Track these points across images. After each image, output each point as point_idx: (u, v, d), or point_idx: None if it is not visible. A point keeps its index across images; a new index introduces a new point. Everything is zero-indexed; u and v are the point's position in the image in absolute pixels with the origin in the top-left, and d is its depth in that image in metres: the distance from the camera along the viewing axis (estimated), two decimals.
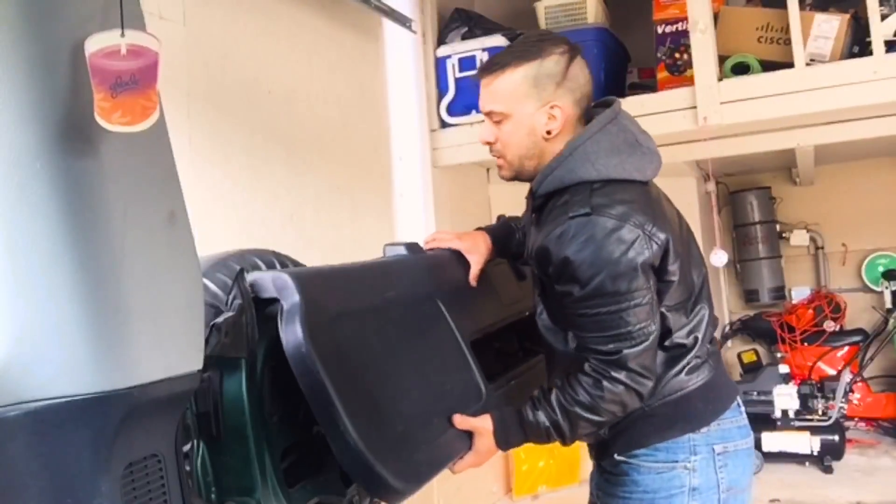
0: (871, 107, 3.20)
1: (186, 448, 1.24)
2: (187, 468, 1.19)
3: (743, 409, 1.60)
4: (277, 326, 1.36)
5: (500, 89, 1.51)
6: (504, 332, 1.89)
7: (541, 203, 1.54)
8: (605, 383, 1.41)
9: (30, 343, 0.90)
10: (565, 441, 1.51)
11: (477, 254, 1.74)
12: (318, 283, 1.37)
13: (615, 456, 1.54)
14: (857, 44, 3.28)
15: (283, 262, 1.65)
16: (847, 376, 4.52)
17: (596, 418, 1.44)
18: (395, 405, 1.38)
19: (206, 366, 1.10)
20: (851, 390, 4.61)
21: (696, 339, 1.50)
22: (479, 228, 1.82)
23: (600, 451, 1.60)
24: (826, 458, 4.22)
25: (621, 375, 1.40)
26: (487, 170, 4.22)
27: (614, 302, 1.39)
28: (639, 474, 1.51)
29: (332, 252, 2.86)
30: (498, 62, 1.53)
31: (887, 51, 3.10)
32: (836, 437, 4.25)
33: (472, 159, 3.83)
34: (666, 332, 1.47)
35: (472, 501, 3.85)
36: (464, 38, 3.85)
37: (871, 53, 3.13)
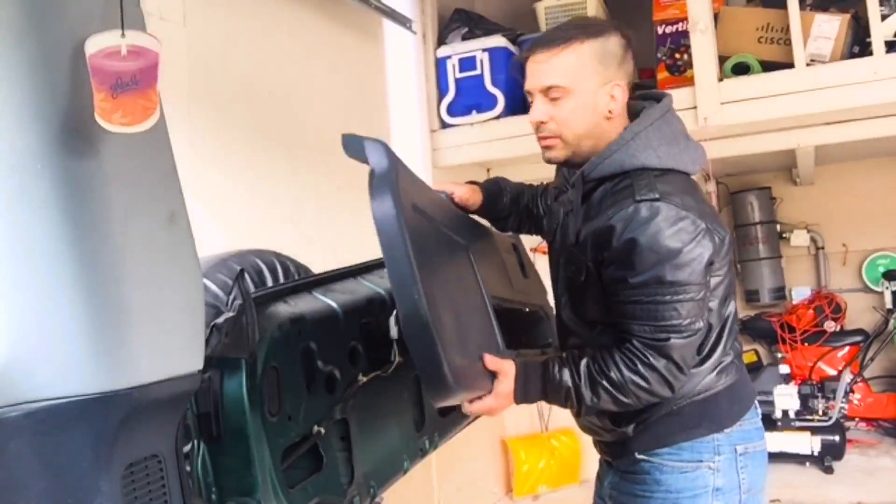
0: (872, 107, 3.20)
1: (187, 448, 1.24)
2: (188, 468, 1.19)
3: (759, 410, 1.60)
4: (277, 326, 1.36)
5: (564, 64, 1.46)
6: (502, 318, 1.89)
7: (591, 187, 1.51)
8: (641, 368, 1.39)
9: (30, 343, 0.90)
10: (580, 410, 1.48)
11: (469, 192, 1.73)
12: (402, 168, 1.35)
13: (636, 454, 1.52)
14: (858, 44, 3.29)
15: (284, 262, 1.65)
16: (847, 376, 4.52)
17: (621, 398, 1.42)
18: (448, 309, 1.36)
19: (207, 366, 1.11)
20: (852, 390, 4.61)
21: (727, 335, 1.51)
22: (471, 182, 1.80)
23: (617, 451, 1.58)
24: (826, 458, 4.22)
25: (660, 364, 1.39)
26: (488, 170, 4.22)
27: (671, 293, 1.37)
28: (661, 473, 1.49)
29: (333, 252, 2.86)
30: (560, 36, 1.48)
31: (887, 51, 3.10)
32: (837, 438, 4.25)
33: (472, 159, 3.83)
34: (706, 327, 1.46)
35: (473, 502, 3.85)
36: (464, 38, 3.85)
37: (871, 54, 3.14)
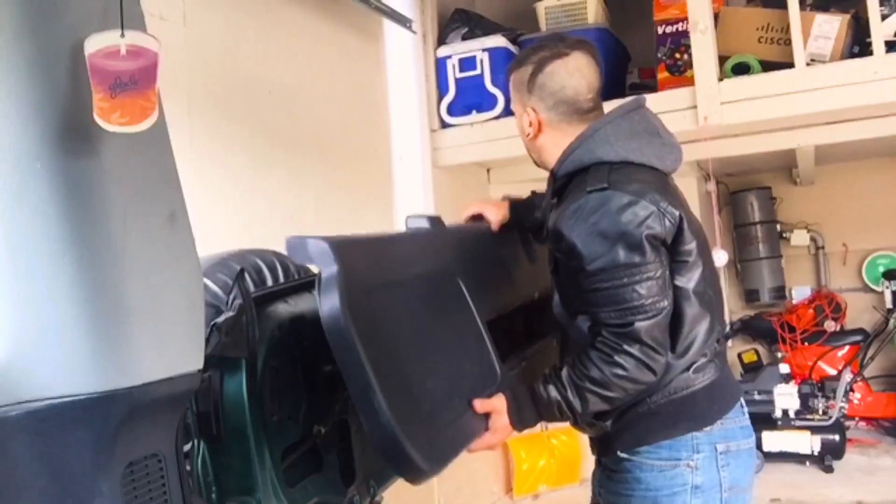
0: (872, 107, 3.20)
1: (187, 448, 1.24)
2: (188, 468, 1.19)
3: (746, 409, 1.60)
4: (277, 326, 1.36)
5: (511, 91, 1.68)
6: (512, 312, 1.90)
7: (562, 185, 1.59)
8: (617, 358, 1.42)
9: (30, 343, 0.90)
10: (576, 418, 1.52)
11: (495, 211, 1.88)
12: (355, 253, 1.36)
13: (618, 453, 1.54)
14: (858, 44, 3.29)
15: (284, 262, 1.65)
16: (847, 376, 4.52)
17: (607, 394, 1.44)
18: (423, 383, 1.38)
19: (207, 366, 1.11)
20: (852, 390, 4.61)
21: (705, 336, 1.51)
22: (505, 197, 1.93)
23: (602, 447, 1.60)
24: (827, 457, 4.22)
25: (634, 349, 1.41)
26: (488, 170, 4.22)
27: (627, 275, 1.41)
28: (641, 472, 1.51)
29: None
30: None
31: (887, 51, 3.10)
32: (837, 437, 4.25)
33: (472, 159, 3.83)
34: (678, 319, 1.47)
35: (473, 501, 3.85)
36: (464, 38, 3.85)
37: (871, 53, 3.14)
